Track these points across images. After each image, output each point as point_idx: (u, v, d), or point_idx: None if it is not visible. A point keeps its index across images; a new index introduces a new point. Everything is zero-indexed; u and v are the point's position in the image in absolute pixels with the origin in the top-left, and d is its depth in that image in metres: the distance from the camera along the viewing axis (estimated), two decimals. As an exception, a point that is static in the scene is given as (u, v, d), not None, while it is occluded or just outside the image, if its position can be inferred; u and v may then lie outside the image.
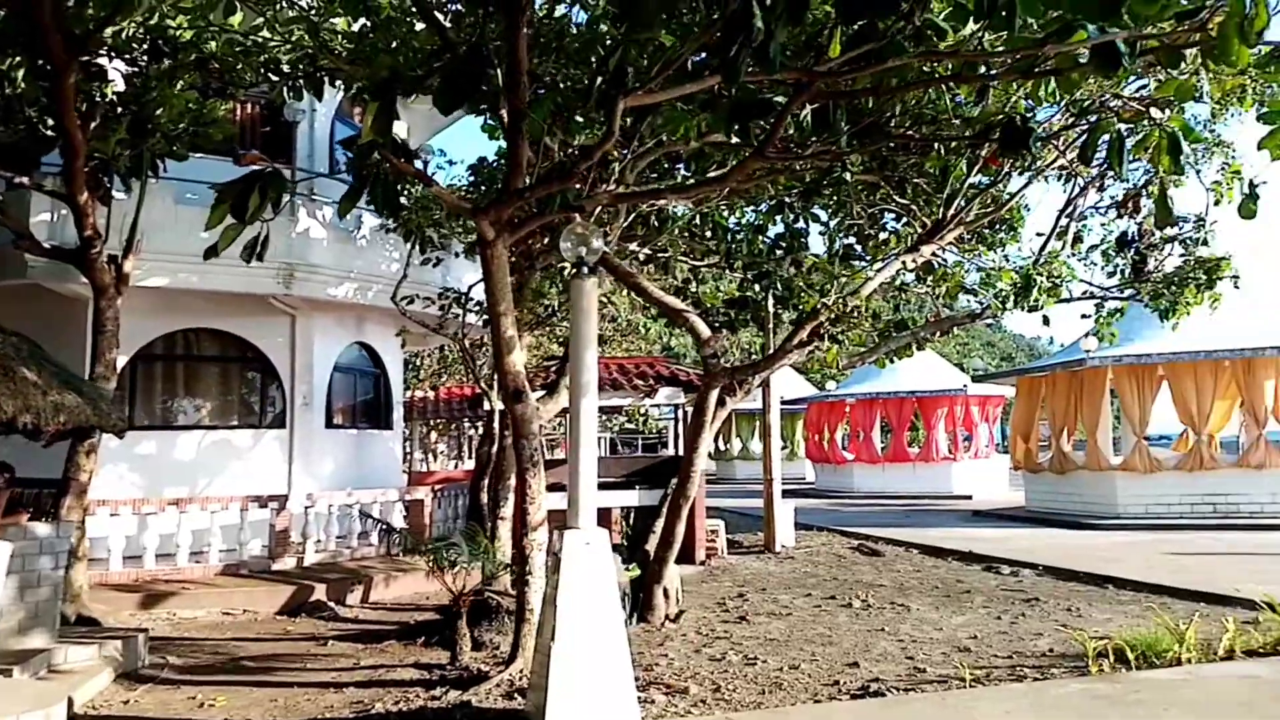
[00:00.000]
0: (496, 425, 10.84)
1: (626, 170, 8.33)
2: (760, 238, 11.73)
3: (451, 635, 7.59)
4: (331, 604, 9.73)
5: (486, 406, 11.87)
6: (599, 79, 5.18)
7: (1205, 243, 9.55)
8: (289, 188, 7.76)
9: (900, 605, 9.64)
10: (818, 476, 29.58)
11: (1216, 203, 8.72)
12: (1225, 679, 6.32)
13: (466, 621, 7.60)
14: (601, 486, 13.27)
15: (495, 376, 9.92)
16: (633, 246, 11.28)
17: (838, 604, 9.84)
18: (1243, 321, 17.14)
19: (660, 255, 11.84)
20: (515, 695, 6.30)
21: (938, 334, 12.24)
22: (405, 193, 9.51)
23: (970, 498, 24.24)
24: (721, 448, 39.66)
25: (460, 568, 7.60)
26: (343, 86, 8.97)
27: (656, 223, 11.03)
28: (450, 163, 13.31)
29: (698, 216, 11.13)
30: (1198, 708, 5.63)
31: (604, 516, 13.44)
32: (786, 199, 10.56)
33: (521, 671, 6.56)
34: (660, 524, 9.60)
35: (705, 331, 9.09)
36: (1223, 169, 8.66)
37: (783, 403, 32.83)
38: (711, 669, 7.21)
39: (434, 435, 28.18)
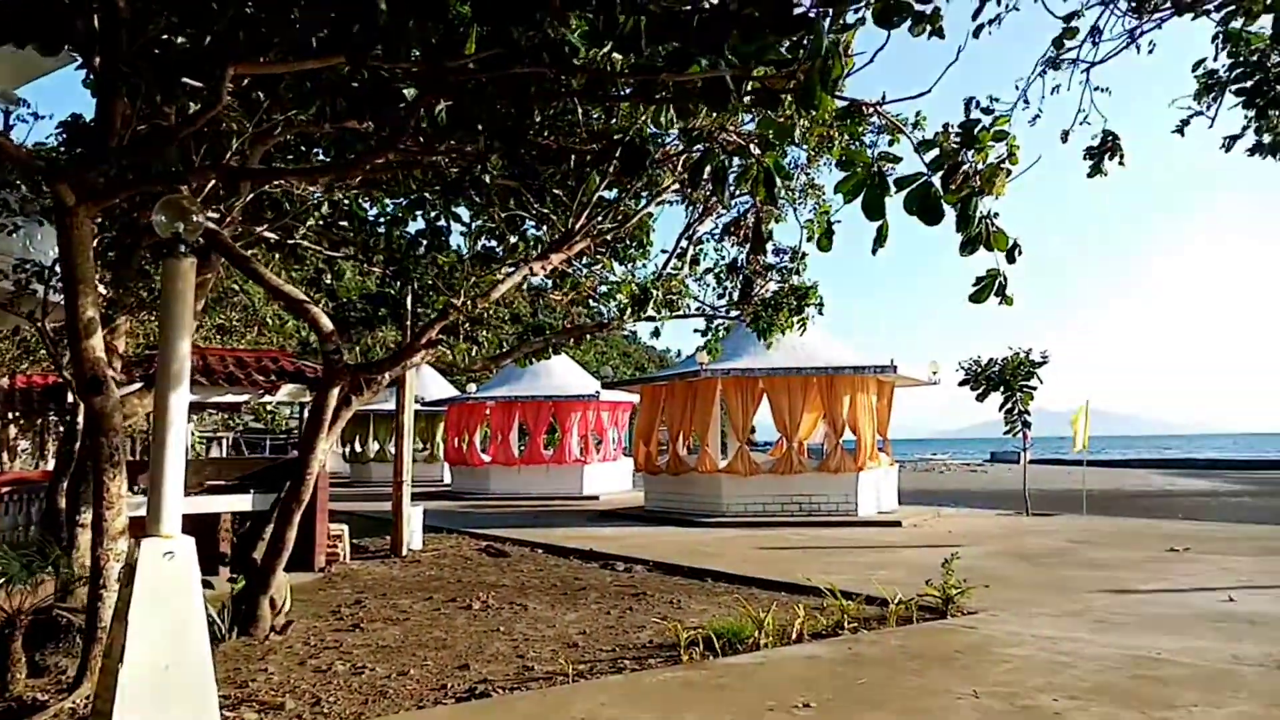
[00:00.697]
0: (82, 420, 9.52)
1: (248, 146, 7.72)
2: (400, 232, 11.44)
3: (3, 661, 6.51)
4: None
5: (71, 399, 10.40)
6: (207, 39, 4.70)
7: (798, 273, 10.79)
8: None
9: (519, 605, 9.80)
10: (454, 479, 29.46)
11: (810, 239, 9.89)
12: (793, 660, 7.09)
13: (26, 643, 6.57)
14: (212, 490, 12.30)
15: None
16: (261, 231, 10.49)
17: (457, 606, 9.80)
18: (827, 343, 19.65)
19: (291, 243, 11.13)
20: (75, 726, 5.53)
21: (572, 340, 12.68)
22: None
23: (598, 498, 25.41)
24: (358, 450, 38.21)
25: (16, 583, 6.55)
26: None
27: (289, 207, 10.36)
28: (36, 116, 11.36)
29: (335, 205, 10.63)
30: (769, 687, 6.24)
31: (212, 523, 12.34)
32: (427, 195, 10.39)
33: (88, 698, 5.79)
34: (270, 530, 8.96)
35: (328, 325, 8.63)
36: (814, 209, 9.84)
37: (425, 404, 32.53)
38: (314, 681, 6.83)
39: (14, 431, 24.29)
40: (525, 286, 12.32)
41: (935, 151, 3.89)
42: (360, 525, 16.71)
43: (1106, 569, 11.62)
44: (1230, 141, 6.31)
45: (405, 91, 5.64)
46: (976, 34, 5.67)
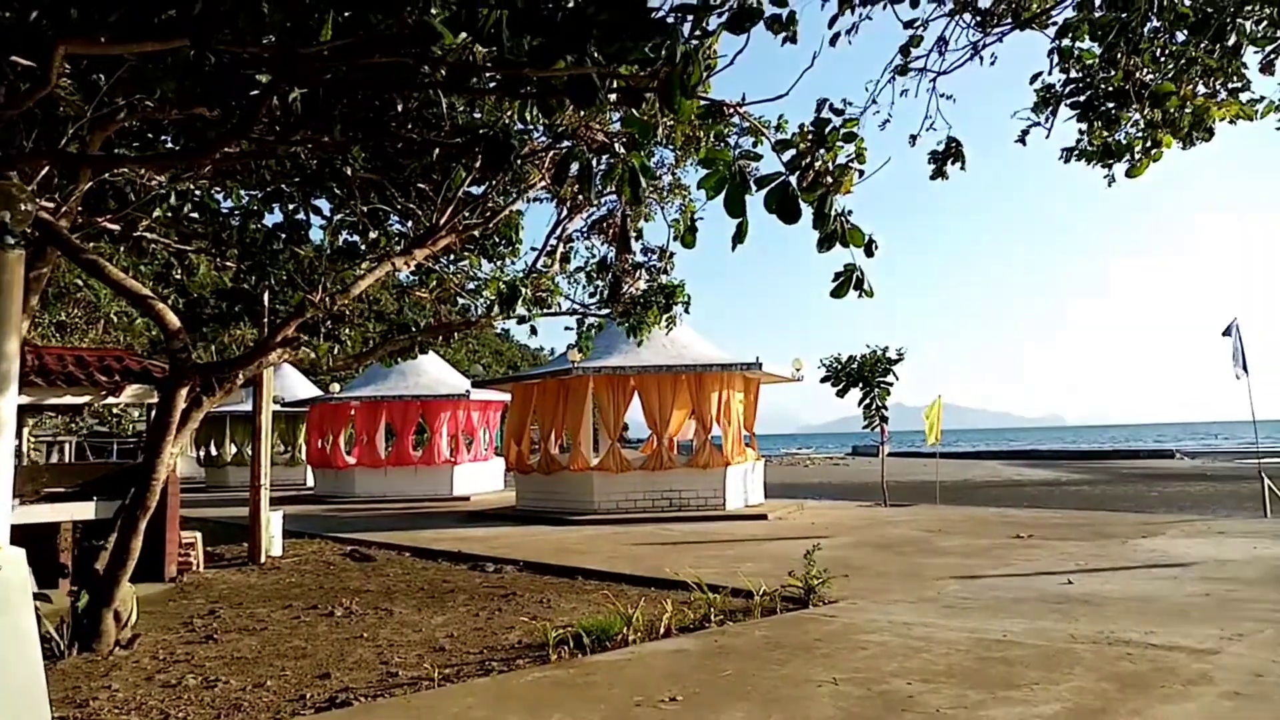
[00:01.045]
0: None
1: (88, 131, 7.24)
2: (256, 225, 10.96)
3: None
4: None
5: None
6: (34, 14, 4.37)
7: (666, 271, 10.91)
8: None
9: (384, 610, 9.55)
10: (318, 482, 28.48)
11: (676, 238, 10.00)
12: (661, 654, 7.15)
13: None
14: (51, 498, 11.48)
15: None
16: (103, 222, 9.87)
17: (319, 614, 9.47)
18: (697, 341, 19.95)
19: (136, 235, 10.53)
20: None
21: (441, 339, 12.43)
22: None
23: (468, 499, 25.05)
24: (213, 453, 36.53)
25: None
26: None
27: (134, 197, 9.78)
28: None
29: (185, 195, 10.08)
30: (637, 683, 6.27)
31: (51, 533, 11.53)
32: (285, 186, 9.99)
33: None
34: (114, 539, 8.44)
35: (175, 322, 8.20)
36: (680, 209, 9.97)
37: (285, 405, 31.37)
38: (163, 697, 6.47)
39: None
40: (390, 283, 12.03)
41: (792, 152, 3.98)
42: (216, 532, 15.97)
43: (957, 556, 12.21)
44: (1067, 154, 6.72)
45: (258, 77, 5.39)
46: (834, 41, 5.85)
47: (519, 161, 7.60)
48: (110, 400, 11.84)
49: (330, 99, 5.74)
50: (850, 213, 3.93)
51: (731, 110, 4.86)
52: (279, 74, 5.27)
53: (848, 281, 4.23)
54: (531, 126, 7.73)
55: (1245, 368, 17.87)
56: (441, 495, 25.63)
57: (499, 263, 11.07)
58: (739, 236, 3.94)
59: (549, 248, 10.82)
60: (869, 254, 4.20)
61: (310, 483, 30.57)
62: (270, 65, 5.27)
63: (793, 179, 3.84)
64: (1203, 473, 43.32)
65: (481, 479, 27.44)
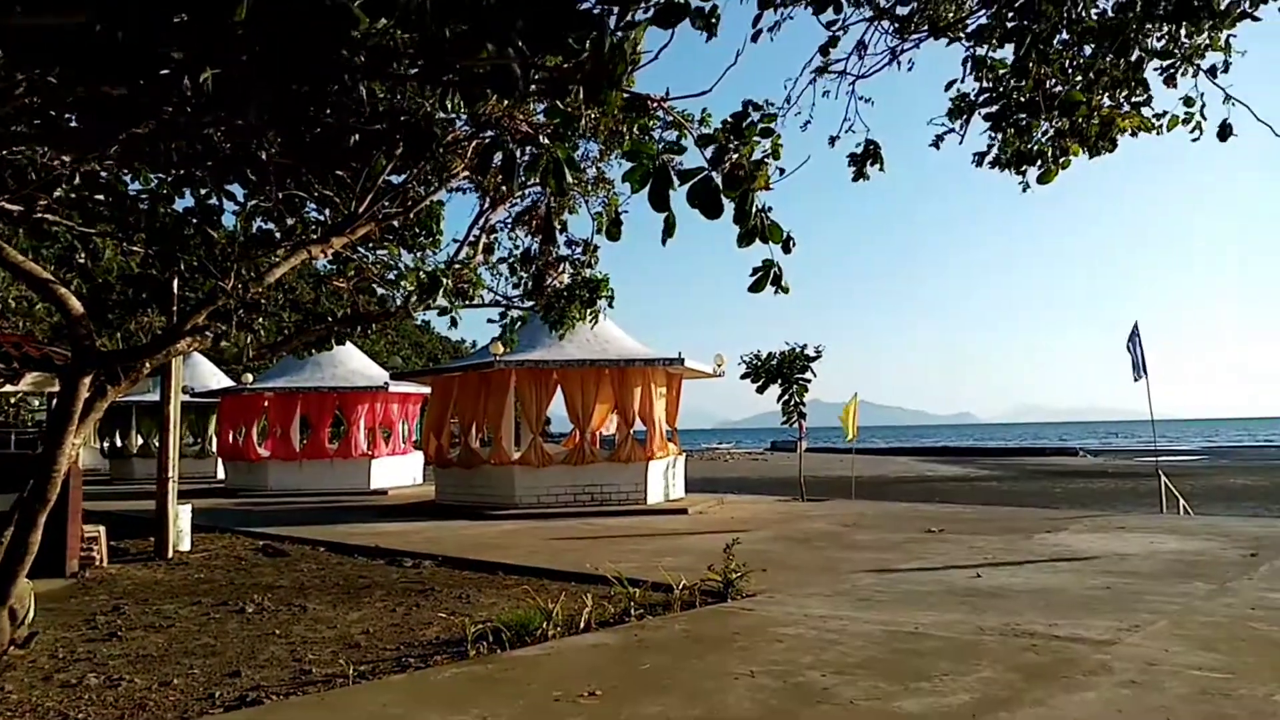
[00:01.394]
0: None
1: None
2: (166, 210, 10.58)
3: None
4: None
5: None
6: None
7: (590, 265, 10.88)
8: None
9: (297, 606, 9.34)
10: (229, 475, 27.70)
11: (600, 229, 9.99)
12: (581, 649, 7.15)
13: None
14: (-63, 490, 10.91)
15: None
16: (2, 203, 9.40)
17: (229, 610, 9.21)
18: (620, 336, 19.97)
19: (36, 216, 10.05)
20: None
21: (359, 329, 12.17)
22: None
23: (386, 493, 24.65)
24: (119, 444, 35.25)
25: None
26: None
27: (36, 177, 9.33)
28: None
29: (89, 177, 9.66)
30: (556, 678, 6.25)
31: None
32: (197, 170, 9.66)
33: None
34: (10, 534, 8.06)
35: (78, 308, 7.86)
36: (605, 202, 9.95)
37: (196, 395, 30.38)
38: (61, 698, 6.22)
39: None
40: (307, 271, 11.73)
41: (715, 146, 4.01)
42: (121, 526, 15.40)
43: (872, 550, 12.49)
44: (979, 158, 6.90)
45: (172, 55, 5.19)
46: (755, 39, 5.90)
47: (441, 150, 7.48)
48: (8, 389, 11.33)
49: (245, 81, 5.55)
50: (770, 209, 3.98)
51: (656, 105, 4.87)
52: (193, 53, 5.08)
53: (765, 277, 4.27)
54: (454, 115, 7.61)
55: (1145, 372, 18.67)
56: (358, 489, 25.17)
57: (419, 253, 10.89)
58: (668, 231, 3.96)
59: (471, 238, 10.69)
60: (786, 250, 4.26)
61: (221, 476, 29.74)
62: (183, 43, 5.07)
63: (715, 174, 3.87)
64: (1104, 470, 45.04)
65: (400, 473, 27.03)
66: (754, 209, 3.92)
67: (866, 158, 6.42)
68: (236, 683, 6.51)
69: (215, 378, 32.90)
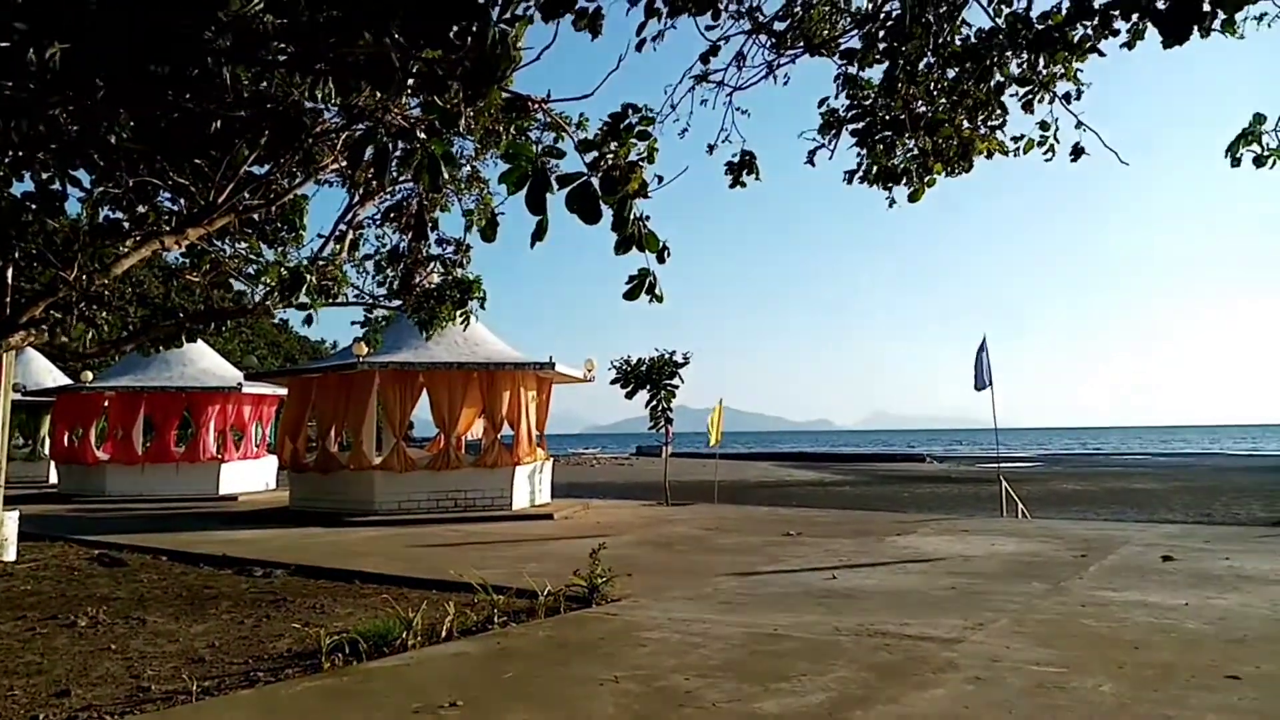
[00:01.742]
0: None
1: None
2: (3, 194, 9.81)
3: None
4: None
5: None
6: None
7: (462, 265, 10.68)
8: None
9: (136, 619, 8.78)
10: (63, 479, 25.86)
11: (470, 227, 9.82)
12: (442, 658, 6.97)
13: None
14: None
15: None
16: None
17: (59, 625, 8.57)
18: (490, 338, 19.73)
19: None
20: None
21: (212, 326, 11.59)
22: None
23: (236, 499, 23.54)
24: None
25: None
26: None
27: None
28: None
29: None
30: (416, 688, 6.08)
31: None
32: (40, 153, 8.98)
33: None
34: None
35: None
36: (479, 201, 9.79)
37: (28, 394, 28.23)
38: None
39: None
40: (157, 264, 11.09)
41: (595, 153, 4.00)
42: (-68, 534, 14.12)
43: (733, 553, 12.73)
44: (849, 175, 7.15)
45: (15, 26, 4.80)
46: (640, 47, 5.93)
47: (310, 141, 7.19)
48: None
49: (95, 58, 5.19)
50: (648, 218, 4.00)
51: (536, 106, 4.82)
52: (37, 27, 4.72)
53: (640, 285, 4.29)
54: (324, 106, 7.34)
55: (990, 383, 19.75)
56: (207, 494, 23.95)
57: (281, 248, 10.45)
58: (539, 234, 3.91)
59: (337, 234, 10.32)
60: (661, 260, 4.28)
61: (55, 480, 27.73)
62: (28, 15, 4.71)
63: (595, 179, 3.85)
64: (949, 476, 47.39)
65: (252, 478, 25.86)
66: (632, 216, 3.92)
67: (743, 167, 6.56)
68: (65, 703, 6.05)
69: (51, 375, 30.67)
